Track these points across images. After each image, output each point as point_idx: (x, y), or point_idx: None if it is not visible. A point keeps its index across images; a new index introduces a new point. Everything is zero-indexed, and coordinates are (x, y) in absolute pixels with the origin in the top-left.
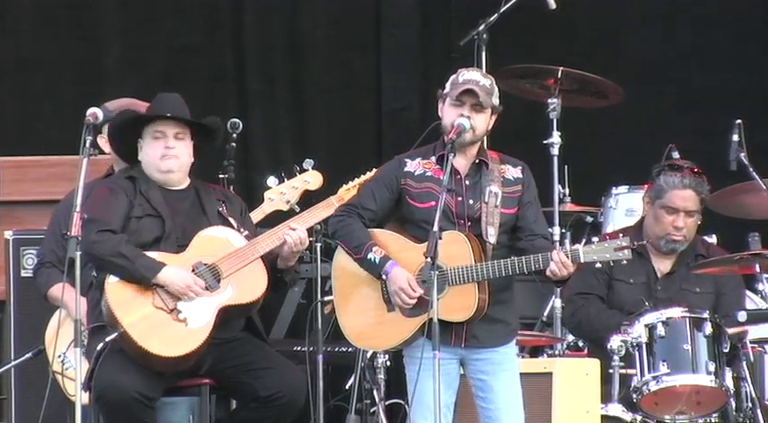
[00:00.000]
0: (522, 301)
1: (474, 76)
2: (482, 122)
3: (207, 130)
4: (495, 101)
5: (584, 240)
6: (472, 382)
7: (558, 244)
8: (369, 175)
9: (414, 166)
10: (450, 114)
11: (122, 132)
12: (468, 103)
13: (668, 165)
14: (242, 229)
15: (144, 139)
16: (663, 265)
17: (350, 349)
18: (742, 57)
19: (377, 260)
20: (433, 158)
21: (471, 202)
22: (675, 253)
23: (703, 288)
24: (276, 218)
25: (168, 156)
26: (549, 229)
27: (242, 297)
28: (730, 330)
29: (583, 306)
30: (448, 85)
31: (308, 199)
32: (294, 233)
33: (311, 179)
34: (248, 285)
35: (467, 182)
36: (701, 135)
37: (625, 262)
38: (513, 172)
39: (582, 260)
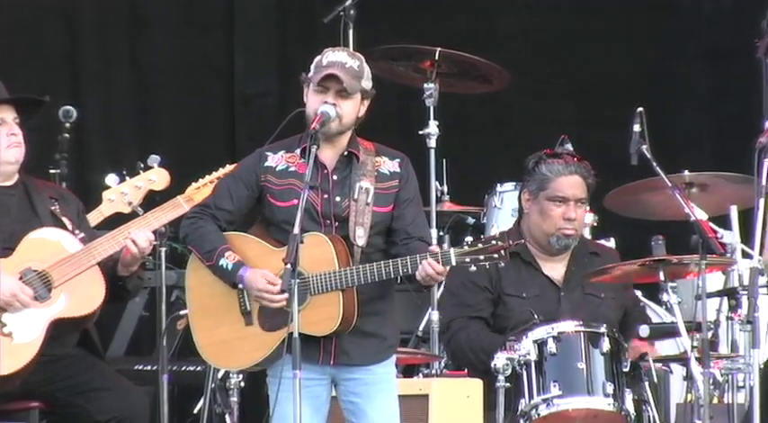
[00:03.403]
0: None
1: (339, 58)
2: (350, 110)
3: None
4: (366, 84)
5: (466, 244)
6: (344, 405)
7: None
8: (221, 171)
9: (276, 160)
10: (313, 102)
11: None
12: (333, 89)
13: (546, 153)
14: (77, 232)
15: None
16: (555, 271)
17: (199, 368)
18: (639, 38)
19: (229, 267)
20: (298, 151)
21: (339, 199)
22: (566, 253)
23: (608, 294)
24: (116, 221)
25: (13, 144)
26: None
27: (76, 309)
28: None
29: (456, 332)
30: (312, 68)
31: (153, 199)
32: (141, 239)
33: (157, 178)
34: (83, 296)
35: (334, 177)
36: (597, 125)
37: (503, 264)
38: (390, 165)
39: (453, 263)
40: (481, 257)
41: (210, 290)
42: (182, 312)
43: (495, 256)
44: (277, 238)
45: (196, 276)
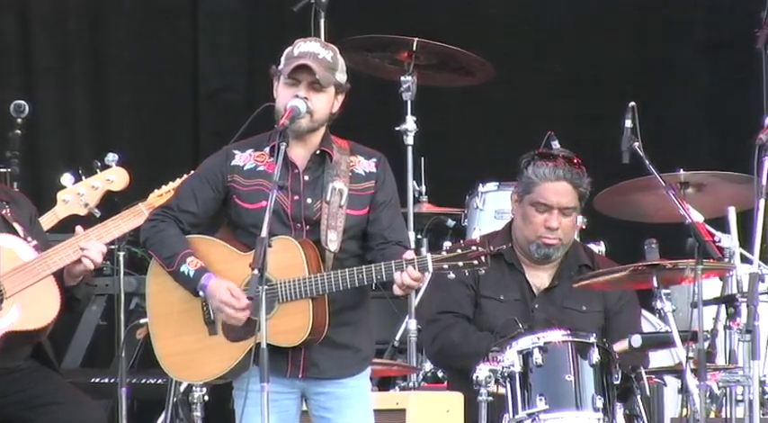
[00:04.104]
0: None
1: (312, 48)
2: (323, 104)
3: None
4: (341, 77)
5: (444, 250)
6: (315, 421)
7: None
8: (186, 178)
9: (244, 158)
10: (283, 95)
11: None
12: (305, 82)
13: (538, 153)
14: (30, 239)
15: None
16: (539, 279)
17: (160, 381)
18: (633, 29)
19: (191, 273)
20: (267, 150)
21: (310, 201)
22: (551, 261)
23: (591, 306)
24: (72, 223)
25: None
26: None
27: (29, 322)
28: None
29: (446, 328)
30: (282, 60)
31: (111, 200)
32: (94, 253)
33: (115, 177)
34: (37, 307)
35: (305, 177)
36: (586, 121)
37: (483, 271)
38: (366, 165)
39: (431, 269)
40: (460, 264)
41: (172, 297)
42: (141, 321)
43: (475, 262)
44: (244, 243)
45: (157, 282)
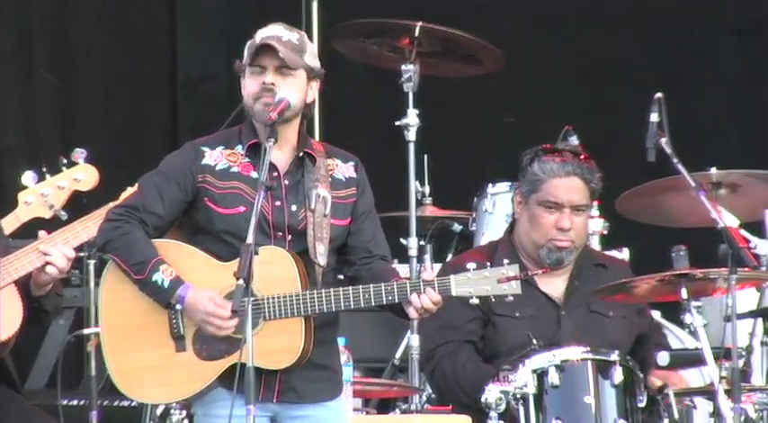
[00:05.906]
0: (365, 338)
1: (274, 32)
2: (293, 90)
3: None
4: (312, 61)
5: (450, 255)
6: None
7: (413, 262)
8: (147, 174)
9: (215, 157)
10: (250, 86)
11: None
12: (271, 67)
13: (542, 149)
14: None
15: None
16: (553, 287)
17: (134, 403)
18: (654, 11)
19: (165, 283)
20: (240, 148)
21: (295, 208)
22: (563, 266)
23: (617, 311)
24: (36, 228)
25: None
26: (404, 242)
27: None
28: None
29: (444, 359)
30: (245, 53)
31: (79, 201)
32: (58, 257)
33: (83, 176)
34: None
35: (286, 181)
36: (607, 114)
37: (511, 298)
38: (345, 169)
39: (454, 293)
40: (488, 288)
41: (132, 307)
42: (86, 331)
43: (505, 287)
44: (211, 251)
45: (114, 290)
